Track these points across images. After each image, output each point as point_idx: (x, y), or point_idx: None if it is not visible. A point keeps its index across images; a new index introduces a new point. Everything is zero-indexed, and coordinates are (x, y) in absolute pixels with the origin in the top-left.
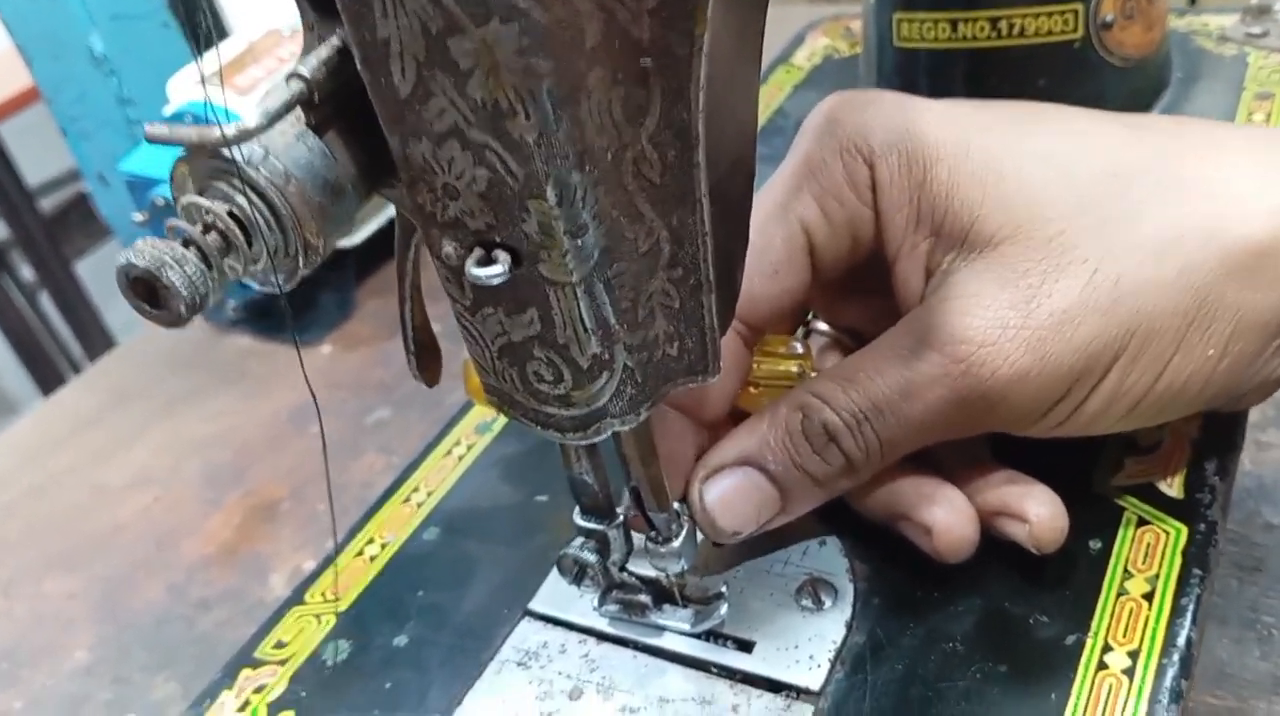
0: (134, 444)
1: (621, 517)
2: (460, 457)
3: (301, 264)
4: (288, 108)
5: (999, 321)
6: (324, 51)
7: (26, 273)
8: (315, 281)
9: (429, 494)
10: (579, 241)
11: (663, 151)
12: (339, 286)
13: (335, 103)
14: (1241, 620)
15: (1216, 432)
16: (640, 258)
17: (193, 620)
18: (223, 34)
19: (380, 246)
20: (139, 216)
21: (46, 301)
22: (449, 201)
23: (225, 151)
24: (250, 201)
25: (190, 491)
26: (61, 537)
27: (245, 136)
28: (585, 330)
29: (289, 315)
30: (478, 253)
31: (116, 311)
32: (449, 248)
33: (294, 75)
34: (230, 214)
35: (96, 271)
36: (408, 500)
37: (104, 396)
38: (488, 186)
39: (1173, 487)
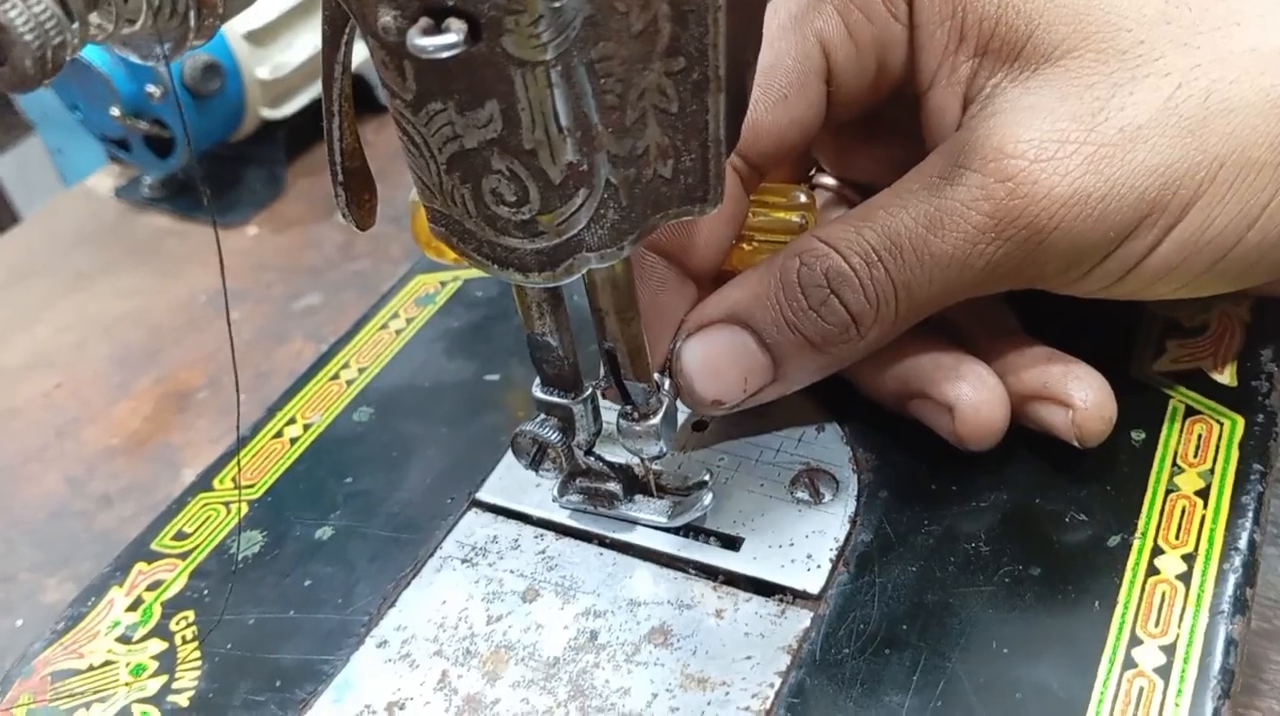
0: (34, 323)
1: (589, 390)
2: (398, 332)
3: (193, 28)
4: None
5: (1057, 134)
6: None
7: None
8: (241, 157)
9: (361, 371)
10: (557, 3)
11: None
12: (267, 163)
13: None
14: (1265, 534)
15: (1270, 314)
16: (633, 39)
17: (92, 516)
18: None
19: (313, 121)
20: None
21: None
22: None
23: None
24: None
25: (96, 375)
26: None
27: None
28: (560, 129)
29: (198, 169)
30: (424, 21)
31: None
32: (387, 16)
33: None
34: None
35: (14, 169)
36: (336, 377)
37: (2, 273)
38: None
39: (1224, 375)
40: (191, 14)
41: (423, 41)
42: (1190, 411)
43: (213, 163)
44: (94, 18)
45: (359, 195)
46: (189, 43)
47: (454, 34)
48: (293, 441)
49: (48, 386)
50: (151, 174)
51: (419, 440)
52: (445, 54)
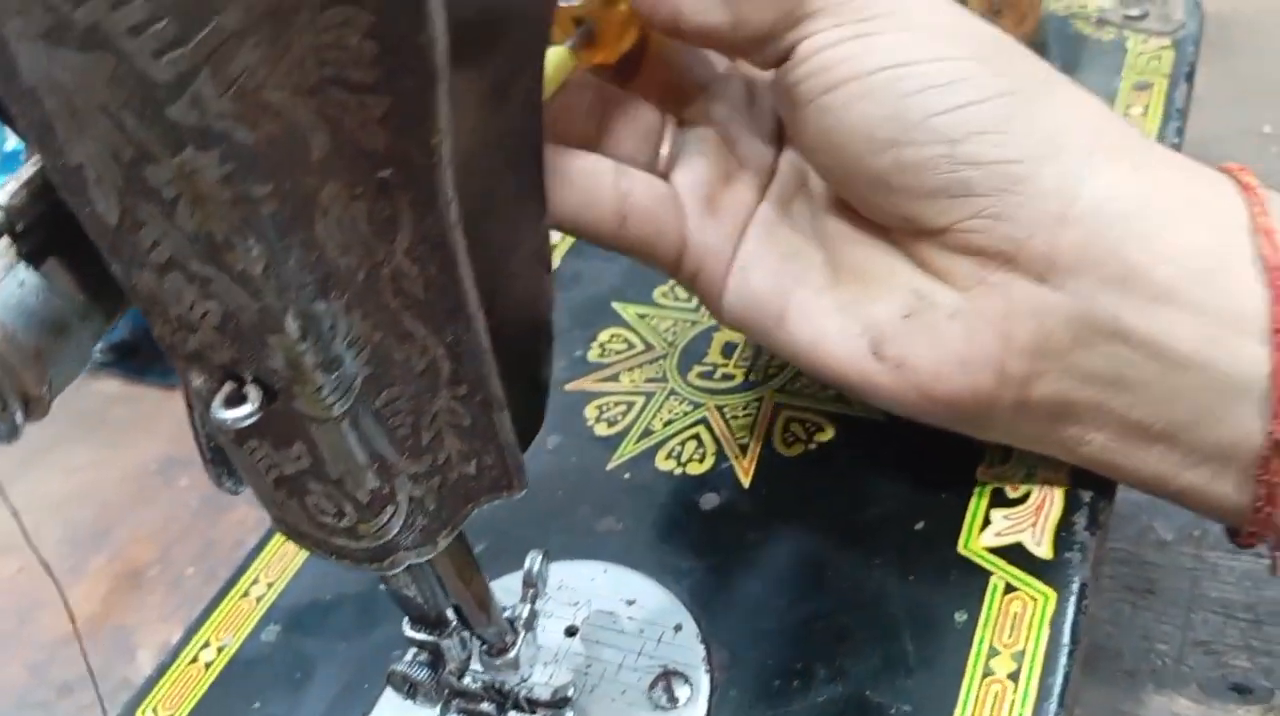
0: None
1: (454, 624)
2: None
3: (20, 420)
4: None
5: None
6: (26, 172)
7: None
8: None
9: (269, 586)
10: (334, 375)
11: (423, 265)
12: None
13: (51, 226)
14: (1134, 651)
15: (1087, 479)
16: (417, 378)
17: (52, 707)
18: None
19: None
20: None
21: None
22: (187, 334)
23: None
24: None
25: (51, 559)
26: None
27: None
28: (358, 465)
29: None
30: (227, 388)
31: None
32: (198, 380)
33: None
34: None
35: None
36: (246, 594)
37: None
38: (221, 320)
39: (1041, 546)
40: (18, 410)
41: (224, 415)
42: (1009, 588)
43: None
44: None
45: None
46: (21, 429)
47: (250, 404)
48: (207, 666)
49: (9, 572)
50: (101, 340)
51: (319, 658)
52: (244, 423)
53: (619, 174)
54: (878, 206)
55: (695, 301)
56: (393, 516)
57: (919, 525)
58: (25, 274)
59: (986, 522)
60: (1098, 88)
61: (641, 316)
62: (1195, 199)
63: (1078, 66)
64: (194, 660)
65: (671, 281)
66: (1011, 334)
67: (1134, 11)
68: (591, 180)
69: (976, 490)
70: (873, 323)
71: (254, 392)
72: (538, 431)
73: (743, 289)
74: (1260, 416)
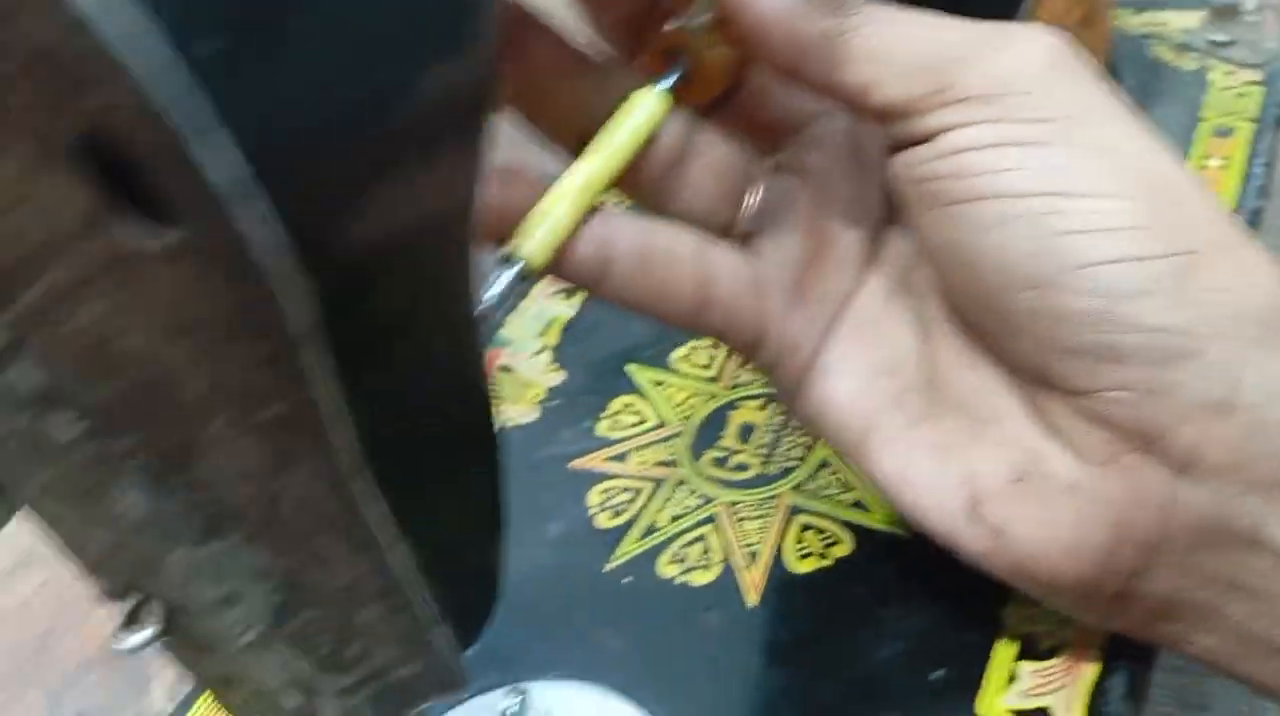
0: (18, 519)
1: None
2: None
3: None
4: None
5: None
6: None
7: None
8: None
9: None
10: (237, 608)
11: (334, 491)
12: None
13: None
14: None
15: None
16: (338, 593)
17: None
18: None
19: None
20: None
21: None
22: (77, 553)
23: None
24: None
25: (73, 580)
26: None
27: None
28: (276, 687)
29: None
30: (128, 604)
31: None
32: (101, 587)
33: None
34: None
35: None
36: None
37: None
38: (107, 550)
39: (1072, 714)
40: None
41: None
42: None
43: None
44: None
45: None
46: None
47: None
48: None
49: (33, 586)
50: None
51: None
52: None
53: (699, 255)
54: (1005, 346)
55: (715, 369)
56: None
57: (936, 674)
58: None
59: (1012, 678)
60: (1172, 129)
61: (657, 383)
62: None
63: (1152, 99)
64: None
65: (691, 345)
66: (1130, 524)
67: (1220, 37)
68: (668, 270)
69: (1005, 634)
70: (973, 477)
71: (156, 613)
72: (492, 610)
73: (824, 397)
74: None
